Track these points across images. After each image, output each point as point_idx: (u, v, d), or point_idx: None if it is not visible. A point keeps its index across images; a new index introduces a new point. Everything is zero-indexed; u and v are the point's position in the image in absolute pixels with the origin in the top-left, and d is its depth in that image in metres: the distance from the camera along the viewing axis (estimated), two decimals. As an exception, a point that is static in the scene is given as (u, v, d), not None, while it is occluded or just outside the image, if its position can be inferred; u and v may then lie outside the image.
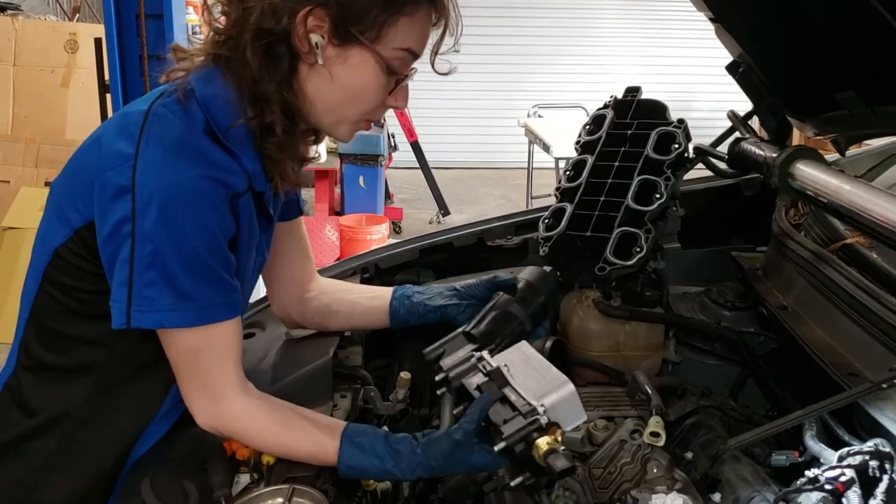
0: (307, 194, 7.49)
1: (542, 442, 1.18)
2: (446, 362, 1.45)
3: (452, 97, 10.28)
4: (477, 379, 1.34)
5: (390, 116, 7.64)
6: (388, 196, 7.68)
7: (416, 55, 1.26)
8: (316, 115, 1.27)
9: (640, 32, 10.17)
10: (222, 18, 1.23)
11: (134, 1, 2.81)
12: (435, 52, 1.29)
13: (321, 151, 6.42)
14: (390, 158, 7.61)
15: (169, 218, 1.11)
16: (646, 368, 1.74)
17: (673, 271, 1.90)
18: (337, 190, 6.99)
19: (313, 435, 1.26)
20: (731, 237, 2.10)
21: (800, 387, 1.56)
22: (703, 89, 9.46)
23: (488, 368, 1.32)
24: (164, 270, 1.13)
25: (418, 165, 7.61)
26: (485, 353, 1.37)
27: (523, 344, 1.40)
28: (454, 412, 1.35)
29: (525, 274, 1.68)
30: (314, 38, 1.19)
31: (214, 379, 1.23)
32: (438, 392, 1.41)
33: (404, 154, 7.82)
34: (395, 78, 1.27)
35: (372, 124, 1.40)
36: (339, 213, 6.69)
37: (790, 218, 1.82)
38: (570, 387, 1.25)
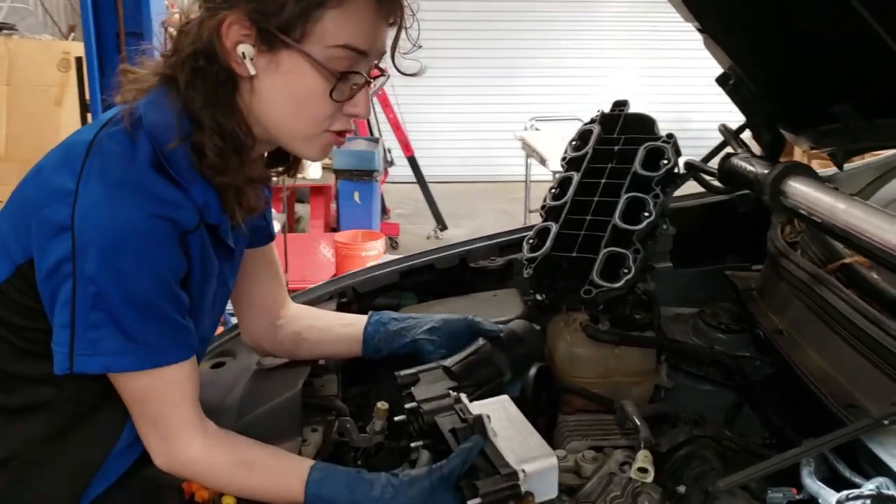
0: (302, 210, 7.45)
1: None
2: (420, 392, 1.38)
3: (449, 111, 10.26)
4: (451, 421, 1.28)
5: (387, 131, 7.60)
6: (384, 212, 7.63)
7: (360, 52, 1.15)
8: (268, 132, 1.20)
9: (638, 44, 10.13)
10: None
11: (113, 19, 2.75)
12: (392, 49, 1.20)
13: (315, 167, 6.38)
14: (386, 174, 7.56)
15: (113, 260, 1.05)
16: (637, 395, 1.67)
17: (665, 292, 1.82)
18: (332, 206, 6.93)
19: (277, 472, 1.20)
20: (726, 255, 2.02)
21: (797, 415, 1.48)
22: (704, 100, 9.34)
23: (466, 414, 1.25)
24: (111, 313, 1.07)
25: (415, 180, 7.56)
26: (463, 397, 1.30)
27: (505, 399, 1.35)
28: (417, 445, 1.31)
29: (513, 324, 1.62)
30: (242, 48, 1.12)
31: (168, 421, 1.16)
32: (413, 444, 1.34)
33: (401, 169, 7.76)
34: (348, 82, 1.17)
35: (345, 137, 1.28)
36: (335, 230, 6.64)
37: (786, 236, 1.74)
38: (554, 460, 1.22)
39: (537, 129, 8.03)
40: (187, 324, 1.16)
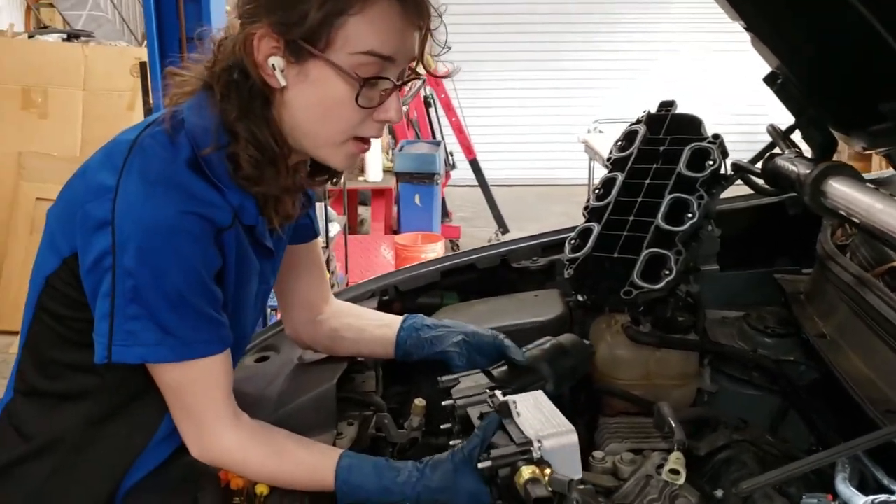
0: (365, 213, 7.53)
1: (527, 470, 1.14)
2: (457, 390, 1.39)
3: (512, 114, 10.26)
4: (482, 409, 1.30)
5: (449, 135, 7.63)
6: (446, 214, 7.65)
7: (385, 58, 1.15)
8: (300, 142, 1.22)
9: (701, 45, 9.97)
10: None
11: (176, 25, 2.83)
12: (421, 53, 1.21)
13: (377, 170, 6.44)
14: (448, 176, 7.58)
15: (149, 255, 1.09)
16: (679, 398, 1.65)
17: (711, 295, 1.79)
18: (394, 209, 6.99)
19: (308, 461, 1.24)
20: (776, 258, 1.98)
21: (843, 421, 1.45)
22: (771, 101, 9.19)
23: (495, 402, 1.26)
24: (147, 306, 1.11)
25: (477, 183, 7.56)
26: (497, 392, 1.31)
27: (538, 392, 1.34)
28: (456, 443, 1.30)
29: (562, 337, 1.60)
30: (272, 61, 1.14)
31: (202, 413, 1.20)
32: (452, 442, 1.33)
33: (464, 172, 7.77)
34: (376, 88, 1.18)
35: (369, 144, 1.28)
36: (396, 232, 6.69)
37: (836, 239, 1.70)
38: (574, 437, 1.21)
39: (601, 132, 7.96)
40: (221, 318, 1.19)
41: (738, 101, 9.56)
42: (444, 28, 1.21)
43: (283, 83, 1.15)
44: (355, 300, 1.76)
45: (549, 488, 1.13)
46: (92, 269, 1.12)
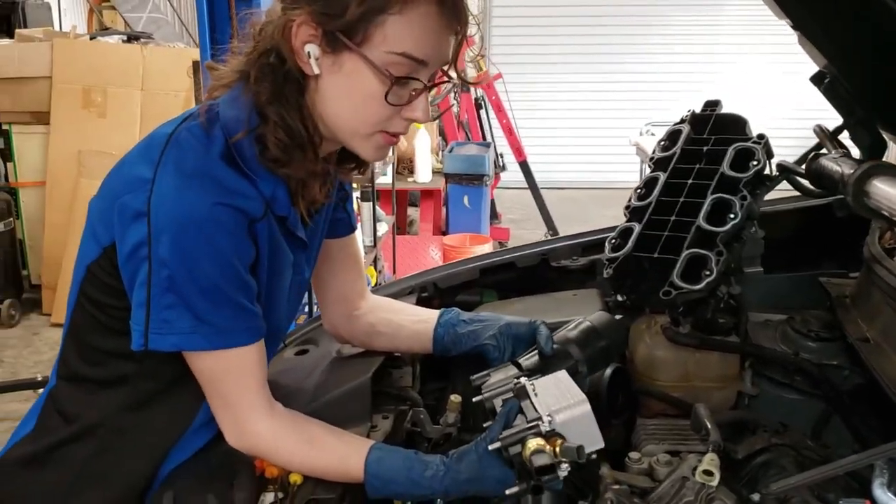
0: (415, 214, 7.57)
1: (533, 443, 1.15)
2: (487, 385, 1.40)
3: (563, 116, 10.22)
4: (505, 398, 1.32)
5: (499, 137, 7.63)
6: (495, 216, 7.65)
7: (418, 61, 1.17)
8: (330, 130, 1.24)
9: (755, 49, 9.79)
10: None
11: (228, 26, 2.89)
12: (454, 59, 1.22)
13: (426, 171, 6.47)
14: (497, 178, 7.58)
15: (183, 246, 1.11)
16: (718, 401, 1.63)
17: (755, 297, 1.77)
18: (443, 210, 7.01)
19: (339, 451, 1.26)
20: (822, 261, 1.94)
21: (887, 427, 1.42)
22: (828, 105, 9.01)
23: (517, 388, 1.28)
24: (182, 295, 1.13)
25: (527, 185, 7.54)
26: (524, 379, 1.31)
27: (561, 372, 1.34)
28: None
29: (593, 317, 1.58)
30: (308, 48, 1.16)
31: (237, 401, 1.23)
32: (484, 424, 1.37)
33: (514, 174, 7.75)
34: (406, 87, 1.20)
35: (398, 138, 1.29)
36: (445, 233, 6.71)
37: (884, 242, 1.66)
38: (587, 407, 1.21)
39: (652, 135, 7.87)
40: (255, 309, 1.22)
41: (793, 107, 9.37)
42: (479, 38, 1.22)
43: (316, 71, 1.18)
44: (395, 296, 1.78)
45: (560, 458, 1.14)
46: (129, 258, 1.15)
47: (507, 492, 1.20)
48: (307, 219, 1.33)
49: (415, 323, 1.58)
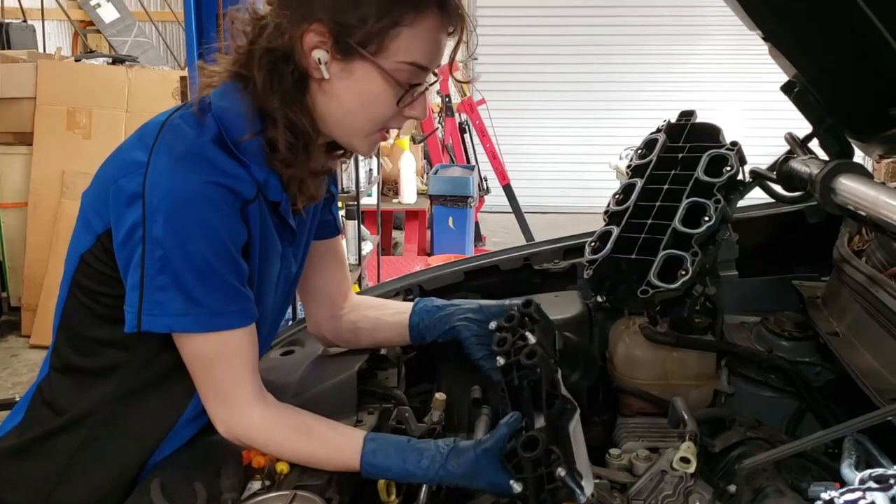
0: (400, 237, 7.60)
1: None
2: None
3: (546, 142, 10.32)
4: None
5: (483, 161, 7.69)
6: (479, 238, 7.70)
7: (423, 69, 1.25)
8: (329, 128, 1.29)
9: (732, 76, 9.95)
10: (243, 38, 1.27)
11: (214, 23, 2.93)
12: (451, 61, 1.29)
13: (411, 193, 6.52)
14: (481, 201, 7.63)
15: (176, 223, 1.14)
16: (696, 399, 1.68)
17: (731, 300, 1.83)
18: (428, 231, 7.05)
19: (334, 441, 1.28)
20: (795, 266, 2.00)
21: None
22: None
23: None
24: (175, 275, 1.16)
25: (511, 210, 7.60)
26: (529, 335, 1.35)
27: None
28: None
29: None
30: (317, 53, 1.21)
31: (229, 388, 1.24)
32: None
33: (497, 199, 7.82)
34: (412, 91, 1.26)
35: (389, 133, 1.38)
36: (429, 254, 6.74)
37: (853, 245, 1.72)
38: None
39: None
40: (247, 292, 1.24)
41: (772, 129, 9.51)
42: (476, 39, 1.29)
43: (326, 76, 1.23)
44: (381, 298, 1.81)
45: None
46: (125, 241, 1.18)
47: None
48: (300, 208, 1.36)
49: (392, 315, 1.61)
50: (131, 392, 1.29)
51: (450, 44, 1.30)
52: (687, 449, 1.32)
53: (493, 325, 1.48)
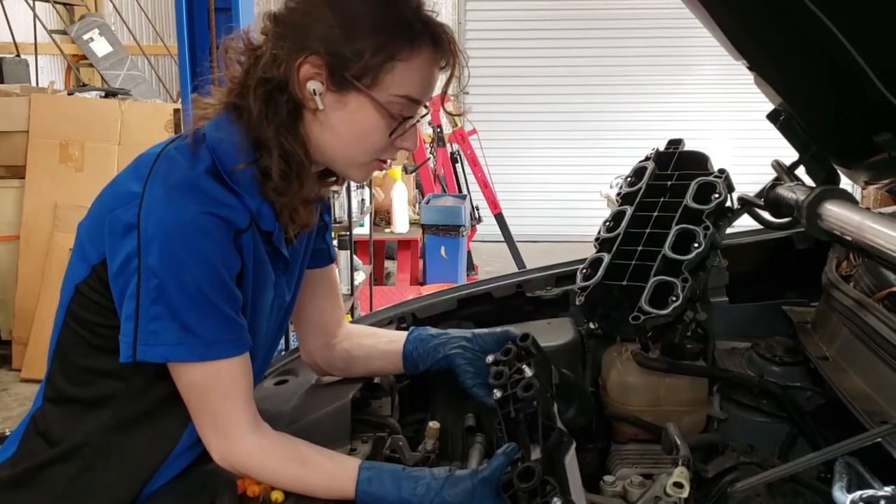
0: (392, 267, 7.61)
1: None
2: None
3: (537, 171, 10.38)
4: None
5: (475, 191, 7.74)
6: (471, 267, 7.71)
7: (416, 101, 1.28)
8: (323, 156, 1.31)
9: (728, 107, 10.05)
10: (237, 68, 1.30)
11: (207, 52, 2.97)
12: (443, 94, 1.32)
13: (403, 222, 6.54)
14: (473, 230, 7.66)
15: (171, 253, 1.15)
16: (689, 425, 1.68)
17: (722, 326, 1.84)
18: (420, 261, 7.07)
19: (329, 469, 1.28)
20: (785, 291, 2.02)
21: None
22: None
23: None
24: (169, 305, 1.17)
25: (503, 238, 7.62)
26: (525, 368, 1.37)
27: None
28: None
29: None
30: (312, 85, 1.23)
31: (224, 416, 1.25)
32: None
33: (489, 228, 7.85)
34: (405, 123, 1.29)
35: (387, 163, 1.39)
36: (422, 284, 6.75)
37: (842, 270, 1.74)
38: None
39: (624, 188, 8.00)
40: (241, 321, 1.25)
41: (759, 157, 9.60)
42: (468, 73, 1.32)
43: (321, 107, 1.25)
44: (374, 326, 1.82)
45: None
46: (119, 272, 1.19)
47: None
48: (293, 237, 1.38)
49: (387, 343, 1.62)
50: (126, 422, 1.29)
51: (442, 77, 1.32)
52: (680, 474, 1.32)
53: (490, 358, 1.49)
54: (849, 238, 1.22)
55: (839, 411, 1.42)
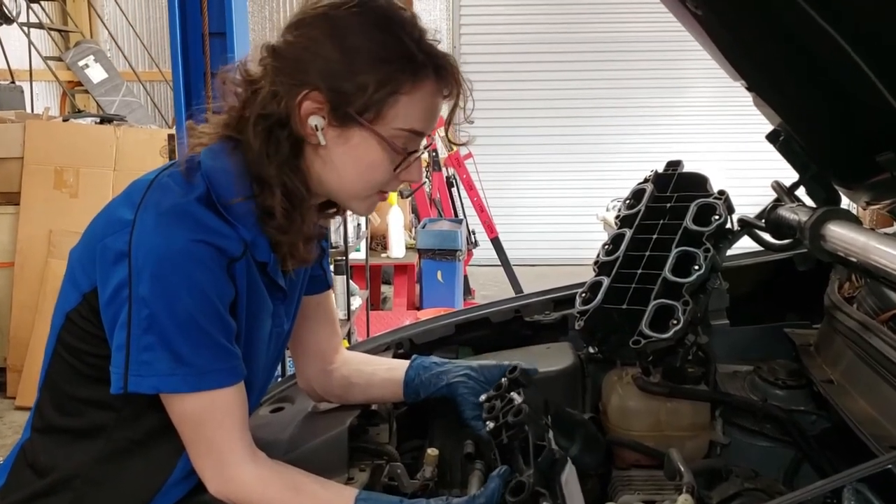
0: (389, 291, 7.59)
1: None
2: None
3: (533, 194, 10.38)
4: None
5: (471, 215, 7.73)
6: (468, 292, 7.69)
7: (420, 134, 1.26)
8: (325, 190, 1.30)
9: (724, 129, 10.08)
10: (234, 98, 1.28)
11: (202, 83, 2.97)
12: (448, 124, 1.30)
13: (399, 247, 6.53)
14: (470, 254, 7.65)
15: (163, 281, 1.13)
16: (691, 450, 1.65)
17: (723, 349, 1.81)
18: (416, 286, 7.05)
19: (325, 497, 1.26)
20: (787, 313, 2.00)
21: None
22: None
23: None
24: (161, 335, 1.14)
25: (500, 262, 7.60)
26: (515, 396, 1.38)
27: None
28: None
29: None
30: (314, 120, 1.22)
31: (219, 446, 1.22)
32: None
33: (486, 252, 7.84)
34: (404, 155, 1.27)
35: (387, 195, 1.39)
36: (418, 308, 6.72)
37: (844, 292, 1.72)
38: None
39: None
40: (234, 350, 1.23)
41: (758, 178, 9.62)
42: (472, 103, 1.31)
43: (323, 142, 1.23)
44: (371, 352, 1.80)
45: None
46: (110, 301, 1.17)
47: None
48: (292, 273, 1.35)
49: (387, 371, 1.60)
50: (117, 453, 1.27)
51: (445, 106, 1.31)
52: (684, 501, 1.30)
53: (483, 397, 1.49)
54: (853, 259, 1.20)
55: (845, 435, 1.40)
